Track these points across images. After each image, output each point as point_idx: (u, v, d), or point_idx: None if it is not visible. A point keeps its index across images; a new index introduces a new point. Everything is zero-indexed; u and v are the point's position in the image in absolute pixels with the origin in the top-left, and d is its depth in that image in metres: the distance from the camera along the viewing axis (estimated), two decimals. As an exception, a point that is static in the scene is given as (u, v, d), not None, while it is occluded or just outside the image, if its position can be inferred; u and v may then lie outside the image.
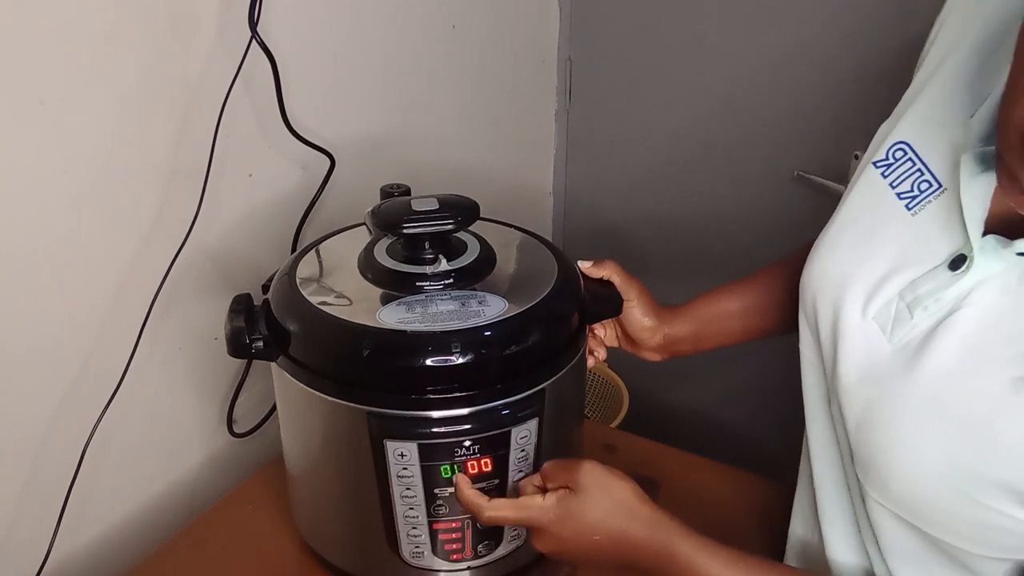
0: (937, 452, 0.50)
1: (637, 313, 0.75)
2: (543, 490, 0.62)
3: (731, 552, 0.57)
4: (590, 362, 0.76)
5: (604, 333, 0.79)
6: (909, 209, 0.54)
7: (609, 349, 0.80)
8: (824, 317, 0.59)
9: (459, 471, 0.63)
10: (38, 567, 0.75)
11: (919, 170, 0.55)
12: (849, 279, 0.57)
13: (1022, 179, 0.42)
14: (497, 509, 0.61)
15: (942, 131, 0.54)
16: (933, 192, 0.53)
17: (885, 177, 0.56)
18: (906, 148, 0.56)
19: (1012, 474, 0.47)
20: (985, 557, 0.51)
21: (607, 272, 0.73)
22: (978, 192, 0.49)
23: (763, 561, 0.58)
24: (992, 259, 0.49)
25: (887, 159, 0.57)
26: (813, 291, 0.60)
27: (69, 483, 0.75)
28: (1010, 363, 0.48)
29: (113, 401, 0.76)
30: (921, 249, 0.53)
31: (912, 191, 0.55)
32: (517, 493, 0.64)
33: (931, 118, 0.55)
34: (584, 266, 0.74)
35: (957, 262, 0.51)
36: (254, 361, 0.83)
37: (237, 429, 0.93)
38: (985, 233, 0.49)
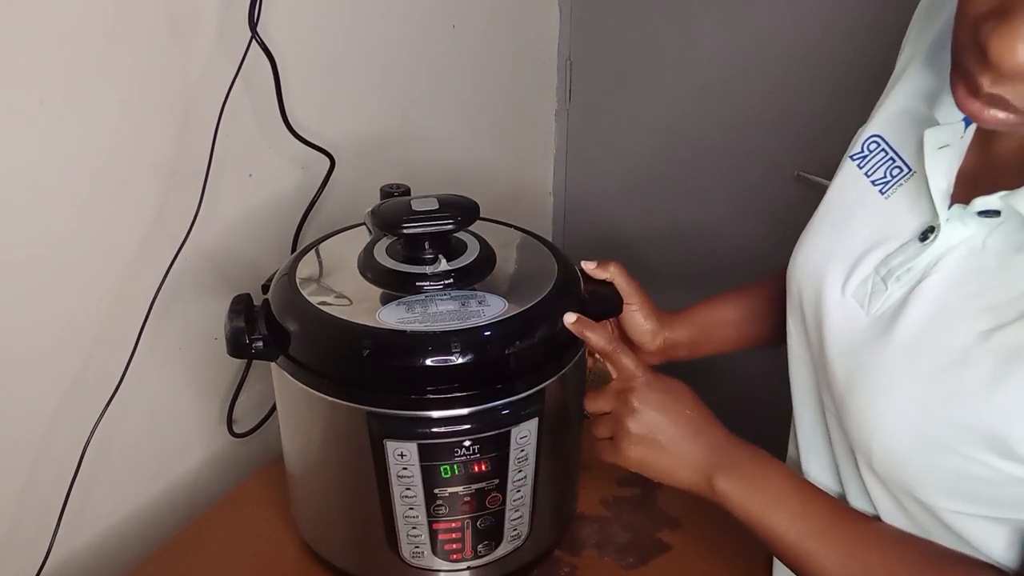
0: (911, 408, 0.51)
1: (638, 317, 0.75)
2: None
3: (817, 491, 0.59)
4: (589, 363, 0.76)
5: None
6: (883, 193, 0.57)
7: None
8: (808, 302, 0.61)
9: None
10: (38, 567, 0.75)
11: (891, 158, 0.58)
12: (829, 262, 0.59)
13: (979, 78, 0.44)
14: (598, 332, 0.64)
15: (911, 122, 0.57)
16: (904, 176, 0.56)
17: (860, 168, 0.59)
18: (879, 140, 0.59)
19: (981, 419, 0.48)
20: (974, 516, 0.52)
21: (610, 275, 0.73)
22: (942, 164, 0.52)
23: (852, 515, 0.59)
24: (957, 226, 0.51)
25: (862, 152, 0.59)
26: (798, 280, 0.62)
27: (69, 483, 0.75)
28: (977, 316, 0.50)
29: (113, 401, 0.76)
30: (894, 227, 0.56)
31: (885, 177, 0.58)
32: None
33: (901, 111, 0.58)
34: (588, 267, 0.73)
35: (926, 233, 0.53)
36: (254, 361, 0.83)
37: (237, 429, 0.93)
38: (951, 205, 0.52)
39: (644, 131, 1.35)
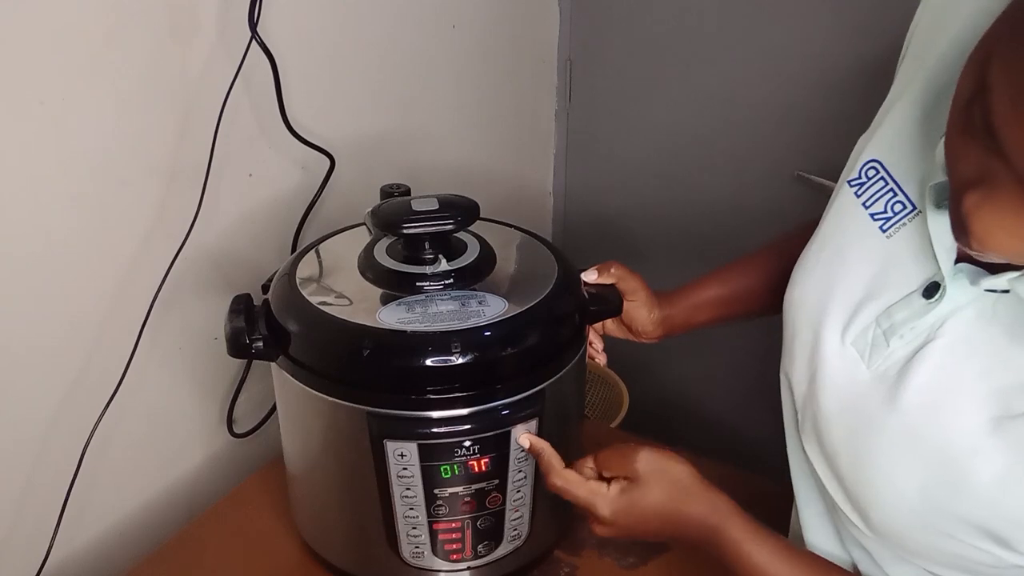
0: (913, 486, 0.50)
1: (643, 311, 0.75)
2: (601, 477, 0.61)
3: (779, 542, 0.57)
4: (601, 359, 0.77)
5: (602, 333, 0.79)
6: (883, 231, 0.54)
7: (609, 350, 0.80)
8: (802, 341, 0.58)
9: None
10: (38, 567, 0.75)
11: (892, 190, 0.54)
12: (827, 304, 0.56)
13: (968, 240, 0.42)
14: (565, 479, 0.60)
15: (913, 152, 0.53)
16: (907, 214, 0.52)
17: (859, 196, 0.55)
18: (878, 167, 0.55)
19: (985, 516, 0.47)
20: None
21: (612, 278, 0.73)
22: (946, 222, 0.47)
23: (808, 555, 0.58)
24: (964, 284, 0.49)
25: (860, 178, 0.56)
26: (794, 316, 0.59)
27: (69, 483, 0.75)
28: (986, 400, 0.47)
29: (113, 401, 0.76)
30: (896, 273, 0.52)
31: (886, 212, 0.54)
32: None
33: (902, 137, 0.54)
34: (590, 278, 0.73)
35: (931, 290, 0.50)
36: (254, 361, 0.83)
37: (237, 429, 0.93)
38: (958, 260, 0.49)
39: (644, 131, 1.35)
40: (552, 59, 1.37)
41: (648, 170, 1.37)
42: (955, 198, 0.41)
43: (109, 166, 0.74)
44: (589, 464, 0.62)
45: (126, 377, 0.77)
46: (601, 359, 0.79)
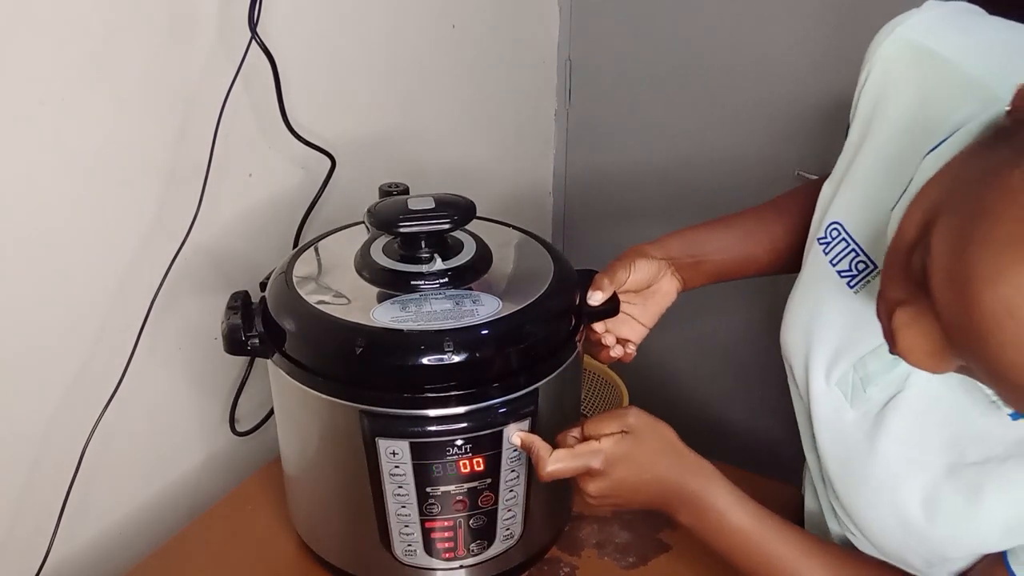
0: (893, 526, 0.54)
1: (643, 271, 0.72)
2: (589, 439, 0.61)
3: (758, 507, 0.59)
4: (617, 351, 0.74)
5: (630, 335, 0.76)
6: (851, 287, 0.57)
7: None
8: (798, 375, 0.62)
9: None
10: (38, 567, 0.75)
11: (854, 250, 0.57)
12: (809, 350, 0.60)
13: (893, 347, 0.44)
14: (556, 461, 0.59)
15: (871, 212, 0.56)
16: (870, 272, 0.56)
17: (826, 254, 0.59)
18: (839, 228, 0.58)
19: (953, 550, 0.52)
20: None
21: (612, 287, 0.70)
22: None
23: (785, 522, 0.60)
24: None
25: (826, 237, 0.59)
26: (787, 356, 0.63)
27: (69, 483, 0.75)
28: (944, 449, 0.51)
29: (113, 401, 0.76)
30: (866, 327, 0.55)
31: (851, 270, 0.57)
32: (556, 445, 0.61)
33: (860, 199, 0.57)
34: (595, 301, 0.69)
35: None
36: (257, 359, 0.83)
37: (239, 428, 0.93)
38: None
39: (644, 131, 1.35)
40: (552, 59, 1.37)
41: (648, 170, 1.37)
42: (887, 309, 0.44)
43: (109, 166, 0.74)
44: (573, 433, 0.61)
45: (126, 377, 0.77)
46: (617, 351, 0.75)
